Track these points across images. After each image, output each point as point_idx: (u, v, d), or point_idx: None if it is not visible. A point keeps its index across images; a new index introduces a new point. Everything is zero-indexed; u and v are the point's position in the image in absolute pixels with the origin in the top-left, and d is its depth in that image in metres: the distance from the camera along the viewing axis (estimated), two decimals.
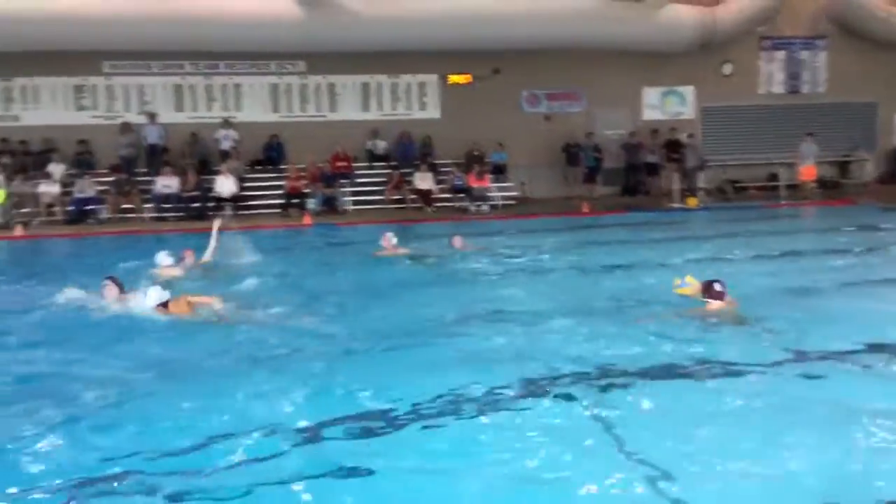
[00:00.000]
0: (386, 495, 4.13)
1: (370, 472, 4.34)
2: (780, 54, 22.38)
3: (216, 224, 11.58)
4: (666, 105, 22.13)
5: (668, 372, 5.92)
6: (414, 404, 5.28)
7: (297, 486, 4.16)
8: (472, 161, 19.70)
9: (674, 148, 20.82)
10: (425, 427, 4.98)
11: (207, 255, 11.00)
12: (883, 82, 22.07)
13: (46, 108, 19.31)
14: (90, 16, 17.44)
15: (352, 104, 20.70)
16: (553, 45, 19.65)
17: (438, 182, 19.25)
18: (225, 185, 18.18)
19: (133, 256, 11.10)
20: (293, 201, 18.33)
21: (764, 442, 4.58)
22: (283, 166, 19.41)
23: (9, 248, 15.10)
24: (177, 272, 10.26)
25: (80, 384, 5.84)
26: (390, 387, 5.63)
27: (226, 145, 19.42)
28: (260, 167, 19.74)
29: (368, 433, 4.84)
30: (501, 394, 5.49)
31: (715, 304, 7.31)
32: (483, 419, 5.07)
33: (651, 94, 22.05)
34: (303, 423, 5.00)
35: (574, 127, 21.13)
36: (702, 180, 19.94)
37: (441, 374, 5.90)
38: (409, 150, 20.17)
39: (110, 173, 18.61)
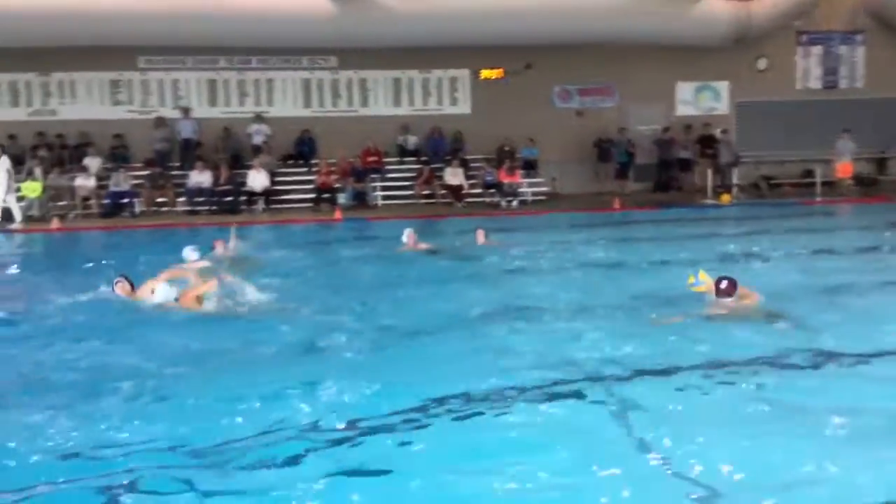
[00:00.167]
0: (411, 491, 4.13)
1: (393, 470, 4.35)
2: (817, 49, 22.04)
3: (233, 232, 11.78)
4: (700, 100, 21.90)
5: (690, 371, 5.87)
6: (436, 401, 5.29)
7: (322, 482, 4.18)
8: (503, 156, 19.65)
9: (707, 143, 20.60)
10: (450, 423, 4.98)
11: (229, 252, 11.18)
12: None
13: (83, 102, 19.59)
14: (126, 11, 17.64)
15: (383, 99, 20.75)
16: (586, 39, 19.51)
17: (469, 177, 19.23)
18: (257, 179, 18.33)
19: (166, 250, 11.23)
20: (324, 196, 18.43)
21: (815, 447, 4.51)
22: (314, 161, 19.51)
23: (46, 241, 15.37)
24: (205, 265, 10.37)
25: (108, 376, 5.94)
26: (410, 383, 5.64)
27: (258, 140, 19.57)
28: (291, 162, 19.87)
29: (390, 429, 4.84)
30: (524, 391, 5.48)
31: (729, 302, 7.21)
32: (506, 417, 5.05)
33: (685, 90, 21.83)
34: (325, 419, 5.03)
35: (606, 122, 21.00)
36: (735, 177, 19.71)
37: (462, 372, 5.89)
38: (440, 146, 20.18)
39: (145, 167, 18.86)
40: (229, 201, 18.25)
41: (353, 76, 20.57)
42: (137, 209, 17.99)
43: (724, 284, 7.25)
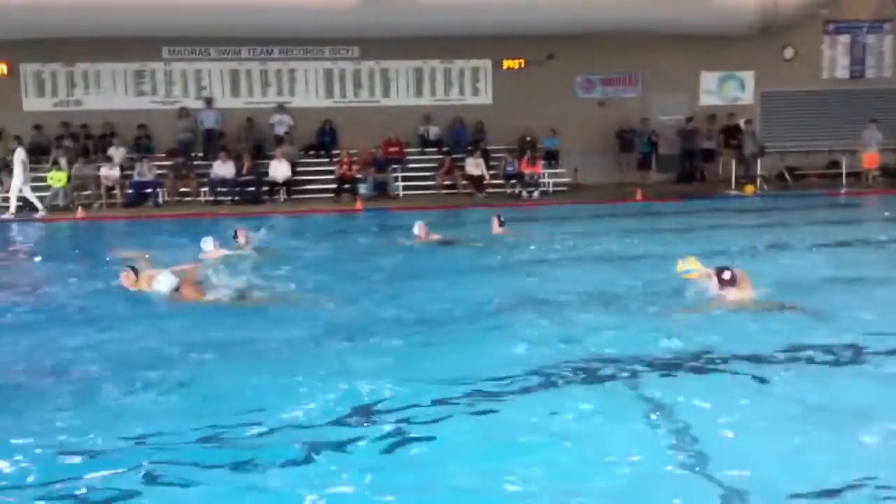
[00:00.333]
0: (433, 480, 4.15)
1: (416, 459, 4.38)
2: (844, 38, 21.73)
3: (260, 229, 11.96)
4: (724, 90, 21.68)
5: (714, 363, 5.85)
6: (456, 390, 5.31)
7: (342, 471, 4.20)
8: (525, 147, 19.59)
9: (731, 134, 20.40)
10: (470, 413, 4.99)
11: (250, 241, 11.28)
12: None
13: (107, 93, 19.73)
14: (150, 2, 17.74)
15: (405, 89, 20.73)
16: (609, 28, 19.35)
17: (490, 168, 19.19)
18: (279, 169, 18.41)
19: (189, 239, 11.31)
20: (345, 186, 18.47)
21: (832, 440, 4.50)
22: (335, 151, 19.55)
23: (71, 230, 15.54)
24: (223, 253, 10.47)
25: (130, 365, 6.02)
26: (429, 374, 5.67)
27: (280, 130, 19.64)
28: (313, 152, 19.92)
29: (412, 419, 4.86)
30: (543, 382, 5.48)
31: (733, 292, 7.15)
32: (526, 407, 5.06)
33: (709, 79, 21.62)
34: (343, 408, 5.06)
35: (629, 112, 20.85)
36: (760, 167, 19.51)
37: (480, 362, 5.92)
38: (462, 136, 20.14)
39: (168, 157, 18.99)
40: (252, 191, 18.35)
41: (375, 66, 20.57)
42: (161, 199, 18.14)
43: (726, 275, 7.18)
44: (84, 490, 4.02)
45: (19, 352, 6.58)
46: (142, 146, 19.24)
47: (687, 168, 20.80)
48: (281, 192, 18.46)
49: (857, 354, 6.04)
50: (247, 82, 20.25)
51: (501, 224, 12.32)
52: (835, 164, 20.35)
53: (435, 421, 4.85)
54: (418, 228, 11.79)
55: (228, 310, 7.71)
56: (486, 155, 19.32)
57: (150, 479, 4.11)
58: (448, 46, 20.14)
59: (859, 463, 4.18)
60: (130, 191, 18.05)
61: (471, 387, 5.36)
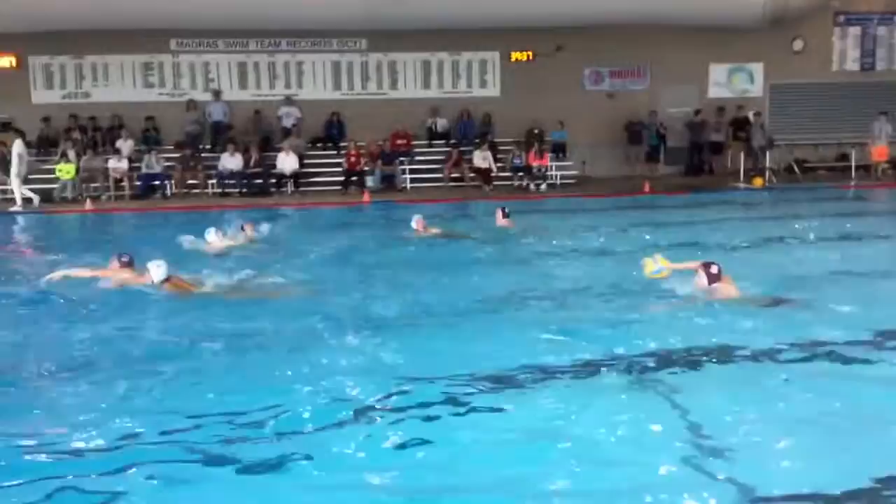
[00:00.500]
0: (442, 471, 4.16)
1: (426, 452, 4.38)
2: (855, 30, 21.59)
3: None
4: (733, 82, 21.58)
5: (720, 357, 5.84)
6: (462, 384, 5.30)
7: (350, 461, 4.23)
8: (532, 139, 19.55)
9: (740, 126, 20.31)
10: (477, 406, 4.99)
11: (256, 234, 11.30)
12: None
13: (115, 85, 19.79)
14: None
15: (412, 82, 20.71)
16: (617, 20, 19.27)
17: (497, 161, 19.16)
18: (287, 162, 18.44)
19: (197, 231, 11.32)
20: (353, 179, 18.48)
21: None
22: (343, 144, 19.55)
23: (79, 222, 15.60)
24: (228, 244, 10.52)
25: (136, 356, 6.04)
26: (433, 366, 5.65)
27: (288, 122, 19.67)
28: (321, 145, 19.93)
29: (408, 418, 4.83)
30: (546, 374, 5.47)
31: (720, 287, 7.12)
32: (531, 401, 5.07)
33: (718, 71, 21.52)
34: (347, 399, 5.06)
35: (637, 105, 20.78)
36: (769, 160, 19.42)
37: (483, 355, 5.91)
38: (469, 129, 20.12)
39: (176, 150, 19.03)
40: (259, 184, 18.38)
41: (383, 59, 20.55)
42: (169, 191, 18.20)
43: (714, 269, 7.15)
44: (73, 487, 4.00)
45: (15, 345, 6.58)
46: (150, 138, 19.29)
47: (695, 161, 20.73)
48: (288, 184, 18.48)
49: (860, 349, 6.00)
50: (255, 74, 20.27)
51: (506, 216, 12.30)
52: (844, 157, 20.26)
53: (435, 420, 4.82)
54: (416, 222, 11.79)
55: (225, 303, 7.69)
56: (493, 147, 19.29)
57: (147, 476, 4.10)
58: (456, 39, 20.11)
59: (860, 463, 4.15)
60: (138, 183, 18.11)
61: (471, 384, 5.32)
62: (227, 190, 18.26)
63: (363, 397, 5.07)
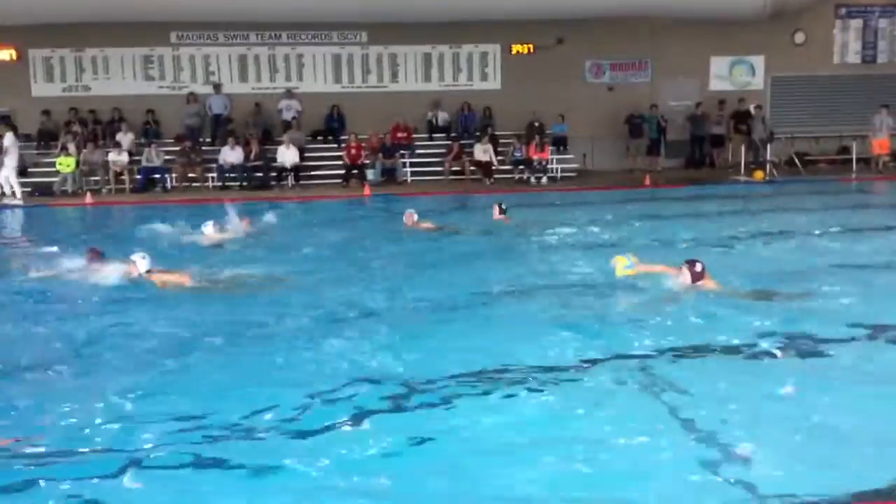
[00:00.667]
0: (443, 465, 4.17)
1: (426, 446, 4.40)
2: (856, 22, 21.51)
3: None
4: (734, 75, 21.52)
5: (721, 351, 5.84)
6: (461, 376, 5.32)
7: (351, 455, 4.24)
8: (533, 132, 19.51)
9: (741, 119, 20.26)
10: (476, 399, 5.01)
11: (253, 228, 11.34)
12: None
13: (116, 78, 19.76)
14: None
15: (413, 75, 20.67)
16: (618, 13, 19.22)
17: (498, 154, 19.13)
18: (287, 155, 18.41)
19: (196, 225, 11.32)
20: (353, 172, 18.47)
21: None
22: (343, 137, 19.52)
23: (79, 215, 15.59)
24: (223, 236, 10.54)
25: (138, 349, 6.04)
26: (433, 359, 5.68)
27: (288, 116, 19.64)
28: (321, 138, 19.92)
29: (405, 416, 4.85)
30: (543, 368, 5.48)
31: (705, 285, 7.14)
32: (522, 405, 5.05)
33: (719, 64, 21.45)
34: (350, 392, 5.08)
35: (638, 98, 20.72)
36: (770, 153, 19.38)
37: (478, 349, 5.93)
38: (470, 122, 20.09)
39: (176, 143, 19.01)
40: (260, 177, 18.37)
41: (383, 51, 20.51)
42: (169, 184, 18.19)
43: (698, 267, 7.17)
44: (63, 486, 4.00)
45: (12, 340, 6.57)
46: (150, 132, 19.27)
47: (696, 154, 20.70)
48: (289, 177, 18.47)
49: (859, 344, 6.01)
50: (255, 67, 20.23)
51: (503, 211, 12.28)
52: (845, 150, 20.21)
53: (434, 418, 4.83)
54: (406, 216, 11.81)
55: (219, 296, 7.70)
56: (494, 140, 19.26)
57: (137, 474, 4.10)
58: (457, 31, 20.05)
59: (860, 464, 4.15)
60: (139, 176, 18.10)
61: (469, 383, 5.32)
62: (227, 183, 18.25)
63: (360, 395, 5.07)
